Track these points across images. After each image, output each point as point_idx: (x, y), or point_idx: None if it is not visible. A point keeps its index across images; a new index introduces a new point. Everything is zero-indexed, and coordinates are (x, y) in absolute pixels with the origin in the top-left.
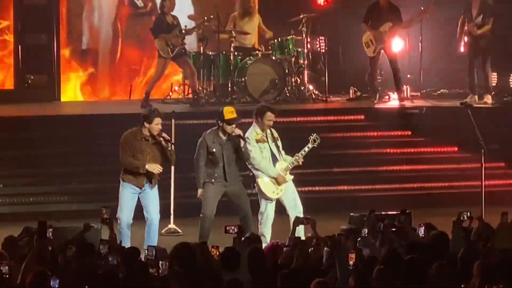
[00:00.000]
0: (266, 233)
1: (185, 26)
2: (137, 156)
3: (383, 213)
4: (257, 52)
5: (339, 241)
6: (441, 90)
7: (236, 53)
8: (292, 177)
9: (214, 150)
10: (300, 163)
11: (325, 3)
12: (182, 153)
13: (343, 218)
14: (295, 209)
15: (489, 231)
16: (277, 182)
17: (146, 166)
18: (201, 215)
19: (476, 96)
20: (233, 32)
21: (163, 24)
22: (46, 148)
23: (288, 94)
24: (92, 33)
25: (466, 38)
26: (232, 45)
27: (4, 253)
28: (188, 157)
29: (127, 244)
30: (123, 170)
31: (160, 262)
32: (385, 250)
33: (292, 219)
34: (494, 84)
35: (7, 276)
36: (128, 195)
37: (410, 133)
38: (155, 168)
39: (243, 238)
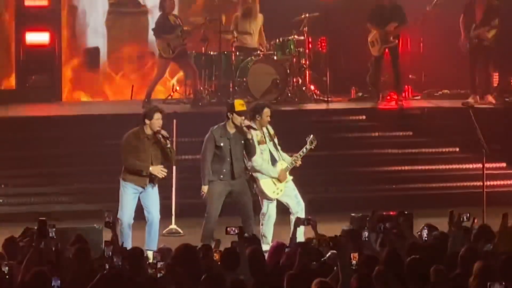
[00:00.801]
0: (268, 233)
1: (187, 27)
2: (140, 156)
3: (384, 213)
4: (258, 52)
5: (341, 242)
6: (442, 91)
7: (237, 53)
8: (291, 177)
9: (221, 144)
10: (298, 165)
11: None
12: (183, 153)
13: (345, 219)
14: (298, 205)
15: (488, 232)
16: (278, 181)
17: (150, 169)
18: (206, 214)
19: (478, 97)
20: (234, 32)
21: (164, 24)
22: (47, 148)
23: (289, 95)
24: (94, 32)
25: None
26: (234, 45)
27: (3, 253)
28: (189, 157)
29: (128, 244)
30: (124, 169)
31: (162, 263)
32: (386, 251)
33: (293, 219)
34: (495, 85)
35: (7, 276)
36: (129, 195)
37: (411, 133)
38: (159, 171)
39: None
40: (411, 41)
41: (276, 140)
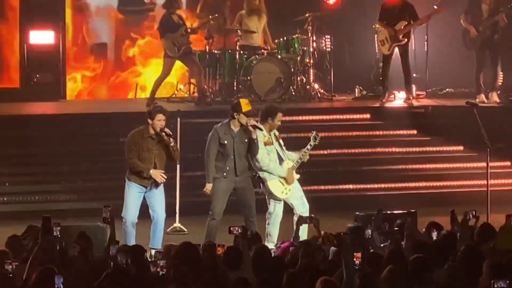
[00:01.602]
0: (274, 232)
1: (191, 25)
2: (143, 155)
3: (388, 212)
4: (263, 51)
5: (345, 240)
6: (447, 89)
7: (242, 51)
8: (298, 176)
9: (225, 142)
10: (306, 160)
11: (335, 2)
12: (188, 151)
13: (349, 217)
14: (303, 206)
15: (490, 230)
16: (286, 182)
17: (151, 172)
18: (210, 211)
19: (483, 95)
20: (238, 31)
21: (169, 23)
22: (51, 146)
23: (293, 93)
24: (98, 31)
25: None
26: (238, 43)
27: (7, 251)
28: (194, 155)
29: (132, 243)
30: (129, 169)
31: (164, 262)
32: (390, 250)
33: (296, 218)
34: (500, 83)
35: (11, 275)
36: (134, 194)
37: (416, 132)
38: (159, 176)
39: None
40: (415, 40)
41: (281, 141)
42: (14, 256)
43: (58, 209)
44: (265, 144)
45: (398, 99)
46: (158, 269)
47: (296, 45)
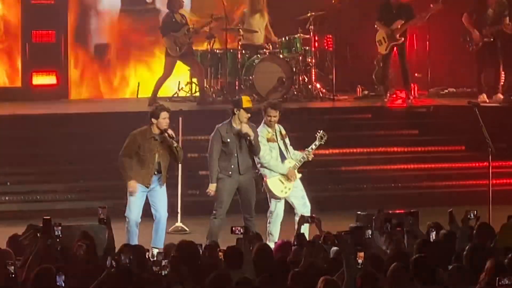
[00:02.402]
0: (275, 232)
1: (193, 24)
2: (144, 156)
3: (390, 212)
4: (264, 50)
5: (346, 240)
6: (448, 89)
7: (243, 51)
8: (300, 175)
9: (228, 140)
10: (310, 159)
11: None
12: (189, 151)
13: (350, 217)
14: (304, 207)
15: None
16: (287, 179)
17: (129, 182)
18: (214, 211)
19: (485, 95)
20: (240, 30)
21: (171, 22)
22: (53, 146)
23: (295, 93)
24: (101, 30)
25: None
26: (240, 43)
27: (10, 251)
28: (195, 155)
29: (135, 242)
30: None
31: (166, 261)
32: (392, 250)
33: (297, 218)
34: (502, 83)
35: (13, 275)
36: (136, 193)
37: (417, 131)
38: (133, 190)
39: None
40: (417, 39)
41: (287, 140)
42: (15, 255)
43: (58, 208)
44: (268, 140)
45: (399, 99)
46: (159, 269)
47: (298, 45)
